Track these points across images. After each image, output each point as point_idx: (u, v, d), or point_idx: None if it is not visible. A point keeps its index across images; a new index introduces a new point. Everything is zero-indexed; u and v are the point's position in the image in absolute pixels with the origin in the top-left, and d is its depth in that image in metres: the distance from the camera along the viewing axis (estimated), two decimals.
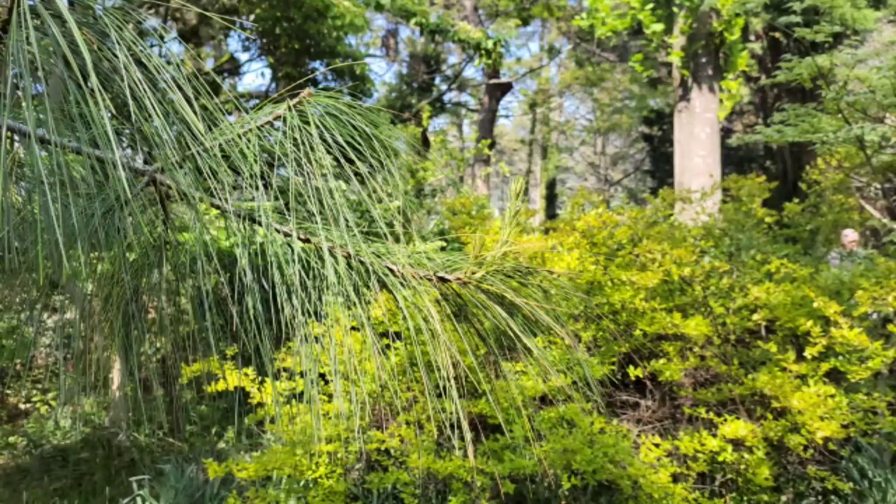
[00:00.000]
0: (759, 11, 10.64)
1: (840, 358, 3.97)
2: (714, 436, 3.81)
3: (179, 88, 0.98)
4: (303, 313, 1.17)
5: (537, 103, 24.82)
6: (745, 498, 3.91)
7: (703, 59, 10.81)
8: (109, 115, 0.93)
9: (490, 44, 12.01)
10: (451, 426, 1.18)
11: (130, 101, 0.92)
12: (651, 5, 10.95)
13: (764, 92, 15.80)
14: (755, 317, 4.22)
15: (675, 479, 3.82)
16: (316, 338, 1.22)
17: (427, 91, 17.64)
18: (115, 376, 5.48)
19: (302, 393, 3.64)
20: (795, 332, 4.16)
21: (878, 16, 9.29)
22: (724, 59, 10.90)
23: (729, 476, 3.96)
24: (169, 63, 1.00)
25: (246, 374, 4.36)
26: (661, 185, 14.47)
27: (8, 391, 7.33)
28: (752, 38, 14.44)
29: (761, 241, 5.32)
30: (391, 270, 1.21)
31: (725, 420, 3.84)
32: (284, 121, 1.19)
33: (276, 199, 1.17)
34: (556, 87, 26.02)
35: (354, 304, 1.16)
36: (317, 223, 1.15)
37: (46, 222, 0.95)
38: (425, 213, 8.31)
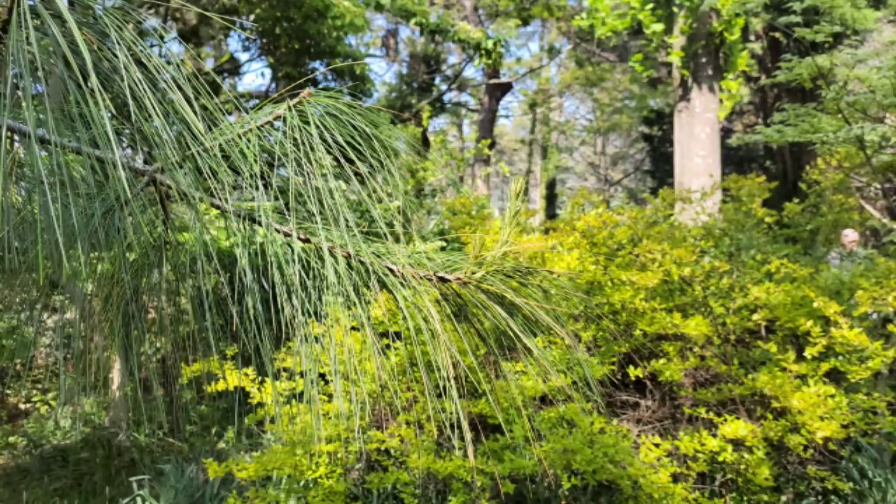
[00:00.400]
0: (759, 11, 10.63)
1: (840, 358, 3.97)
2: (714, 436, 3.81)
3: (179, 88, 0.98)
4: (303, 313, 1.17)
5: (537, 103, 24.83)
6: (745, 498, 3.91)
7: (703, 59, 10.81)
8: (109, 115, 0.93)
9: (490, 44, 12.01)
10: (451, 426, 1.18)
11: (130, 101, 0.92)
12: (651, 5, 10.95)
13: (764, 92, 15.80)
14: (755, 317, 4.22)
15: (675, 479, 3.82)
16: (316, 338, 1.22)
17: (427, 91, 17.64)
18: (115, 376, 5.48)
19: (302, 393, 3.64)
20: (795, 332, 4.16)
21: (878, 16, 9.29)
22: (724, 59, 10.90)
23: (729, 476, 3.96)
24: (169, 63, 1.00)
25: (246, 374, 4.36)
26: (661, 185, 14.48)
27: (8, 391, 7.33)
28: (752, 38, 14.44)
29: (761, 241, 5.32)
30: (391, 270, 1.21)
31: (725, 420, 3.84)
32: (284, 121, 1.19)
33: (276, 199, 1.17)
34: (556, 87, 26.02)
35: (354, 304, 1.16)
36: (317, 223, 1.15)
37: (46, 222, 0.95)
38: (425, 213, 8.31)
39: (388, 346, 1.36)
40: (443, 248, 1.35)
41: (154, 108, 0.93)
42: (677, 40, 10.88)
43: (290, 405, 3.33)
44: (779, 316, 4.15)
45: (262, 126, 1.20)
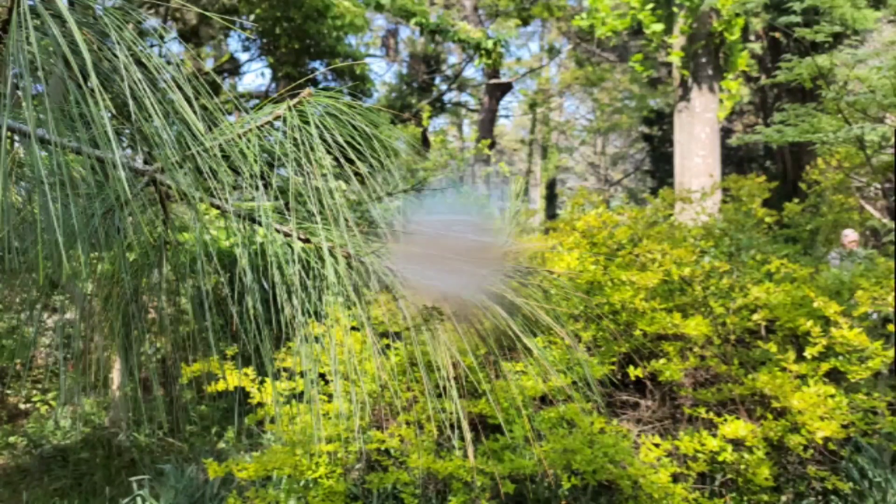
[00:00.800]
0: (759, 11, 10.64)
1: (840, 358, 3.97)
2: (714, 436, 3.81)
3: (179, 88, 0.98)
4: (303, 313, 1.17)
5: (537, 103, 24.80)
6: (745, 498, 3.91)
7: (703, 59, 10.81)
8: (109, 115, 0.93)
9: (490, 44, 12.01)
10: (451, 426, 1.18)
11: (130, 101, 0.92)
12: (651, 5, 10.95)
13: (764, 92, 15.80)
14: (755, 317, 4.22)
15: (675, 479, 3.82)
16: (316, 338, 1.22)
17: (427, 91, 17.64)
18: (115, 376, 5.48)
19: (302, 393, 3.63)
20: (795, 332, 4.16)
21: (878, 16, 9.29)
22: (724, 59, 10.91)
23: (729, 476, 3.96)
24: (169, 63, 1.00)
25: (246, 374, 4.36)
26: (661, 185, 14.46)
27: (8, 391, 7.33)
28: (752, 38, 14.43)
29: (761, 241, 5.32)
30: (391, 270, 1.21)
31: (725, 420, 3.84)
32: (284, 121, 1.19)
33: (276, 199, 1.17)
34: (556, 87, 26.00)
35: (354, 304, 1.16)
36: (317, 223, 1.15)
37: (46, 222, 0.95)
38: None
39: (388, 346, 1.36)
40: None
41: (154, 108, 0.93)
42: (677, 40, 10.88)
43: (290, 405, 3.33)
44: (779, 316, 4.15)
45: (262, 126, 1.20)
